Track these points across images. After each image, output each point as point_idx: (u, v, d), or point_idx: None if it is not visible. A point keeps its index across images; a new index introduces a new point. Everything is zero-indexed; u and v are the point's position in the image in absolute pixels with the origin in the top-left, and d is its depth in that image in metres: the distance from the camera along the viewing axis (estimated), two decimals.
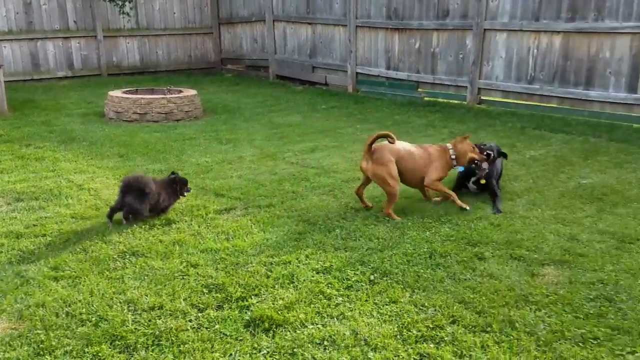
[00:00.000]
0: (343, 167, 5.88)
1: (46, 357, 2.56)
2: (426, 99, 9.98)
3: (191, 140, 7.28)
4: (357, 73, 11.26)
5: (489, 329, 2.83)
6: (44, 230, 4.09)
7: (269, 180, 5.44)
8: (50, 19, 12.47)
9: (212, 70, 14.79)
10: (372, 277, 3.38)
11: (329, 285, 3.29)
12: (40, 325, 2.80)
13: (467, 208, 4.51)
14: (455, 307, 3.02)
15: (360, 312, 2.99)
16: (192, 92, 9.27)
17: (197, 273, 3.43)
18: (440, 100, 9.79)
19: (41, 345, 2.63)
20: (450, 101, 9.65)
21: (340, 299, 3.14)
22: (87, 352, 2.60)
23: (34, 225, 4.20)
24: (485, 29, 9.01)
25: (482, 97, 9.30)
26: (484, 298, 3.12)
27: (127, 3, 12.31)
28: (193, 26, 14.45)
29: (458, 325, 2.86)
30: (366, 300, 3.12)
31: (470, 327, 2.85)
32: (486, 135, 7.23)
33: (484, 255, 3.69)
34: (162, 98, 8.73)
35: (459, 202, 4.57)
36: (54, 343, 2.65)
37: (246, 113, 9.37)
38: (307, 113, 9.25)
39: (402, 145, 4.58)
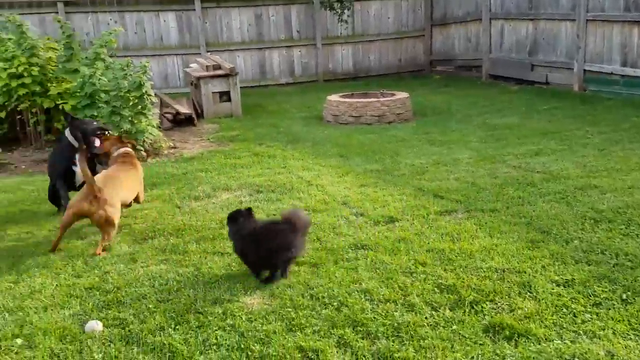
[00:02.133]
0: (574, 173, 5.37)
1: (298, 333, 2.81)
2: None
3: (404, 142, 7.38)
4: (585, 70, 10.21)
5: None
6: None
7: (490, 183, 5.22)
8: (277, 29, 13.80)
9: (421, 72, 14.83)
10: (624, 296, 3.01)
11: (573, 299, 3.02)
12: (290, 304, 3.08)
13: None
14: None
15: (614, 333, 2.68)
16: (404, 94, 9.40)
17: (426, 271, 3.44)
18: None
19: (292, 322, 2.90)
20: None
21: (588, 315, 2.86)
22: (333, 333, 2.78)
23: (274, 214, 4.66)
24: None
25: None
26: None
27: (345, 11, 13.00)
28: (405, 30, 14.67)
29: None
30: (620, 321, 2.78)
31: None
32: None
33: None
34: (376, 101, 9.02)
35: None
36: (303, 321, 2.90)
37: (458, 115, 9.18)
38: (526, 114, 8.68)
39: None
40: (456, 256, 3.65)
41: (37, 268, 3.76)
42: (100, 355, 2.69)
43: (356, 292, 3.18)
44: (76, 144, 4.70)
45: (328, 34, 14.08)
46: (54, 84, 7.56)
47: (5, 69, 7.29)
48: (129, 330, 2.92)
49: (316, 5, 13.55)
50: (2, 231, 4.56)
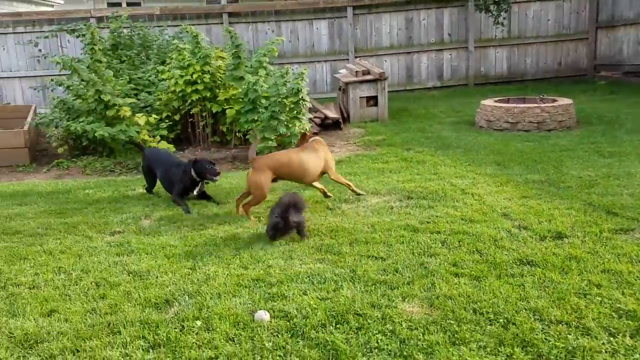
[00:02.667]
0: None
1: (462, 347, 2.73)
2: None
3: (568, 152, 6.85)
4: None
5: None
6: (437, 227, 4.42)
7: None
8: (427, 33, 13.64)
9: (583, 77, 13.70)
10: None
11: None
12: (452, 316, 3.01)
13: None
14: None
15: None
16: (568, 101, 8.74)
17: (601, 294, 3.15)
18: None
19: (456, 336, 2.83)
20: None
21: None
22: (501, 351, 2.66)
23: (427, 222, 4.59)
24: None
25: None
26: None
27: (502, 13, 12.46)
28: (566, 32, 13.66)
29: None
30: None
31: None
32: None
33: None
34: (536, 107, 8.50)
35: None
36: (467, 335, 2.82)
37: (628, 124, 8.31)
38: None
39: None
40: (636, 279, 3.30)
41: (209, 257, 4.12)
42: (270, 344, 2.86)
43: (524, 310, 3.01)
44: (197, 179, 5.64)
45: (481, 36, 13.62)
46: (221, 90, 8.24)
47: (182, 76, 8.11)
48: (294, 324, 3.06)
49: (470, 7, 13.17)
50: (179, 221, 5.06)
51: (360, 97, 10.31)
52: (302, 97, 7.36)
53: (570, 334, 2.76)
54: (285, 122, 7.33)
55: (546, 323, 2.88)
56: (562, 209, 4.61)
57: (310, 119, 9.93)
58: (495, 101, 9.15)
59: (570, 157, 6.55)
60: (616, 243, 3.88)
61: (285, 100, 7.32)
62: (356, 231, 4.49)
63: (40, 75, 12.65)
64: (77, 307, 3.40)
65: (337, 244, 4.24)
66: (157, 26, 12.23)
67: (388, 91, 10.59)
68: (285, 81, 7.43)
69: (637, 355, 2.56)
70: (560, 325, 2.85)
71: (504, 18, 12.75)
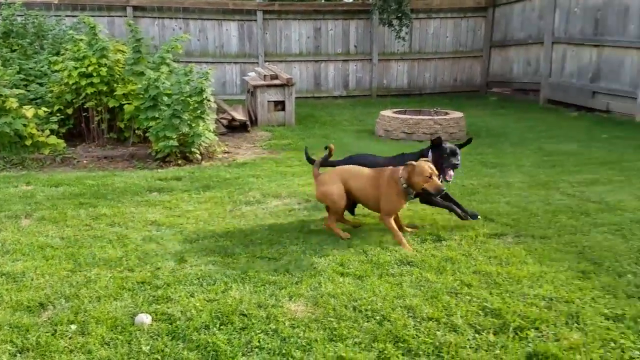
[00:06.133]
0: (632, 205, 5.18)
1: (339, 343, 2.84)
2: None
3: None
4: None
5: None
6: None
7: (542, 210, 5.11)
8: (334, 43, 13.98)
9: (476, 93, 14.67)
10: None
11: (622, 334, 2.92)
12: (333, 314, 3.12)
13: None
14: None
15: None
16: (459, 114, 9.32)
17: (471, 293, 3.41)
18: None
19: (334, 332, 2.94)
20: None
21: (637, 352, 2.76)
22: (374, 347, 2.80)
23: (322, 224, 4.72)
24: None
25: None
26: None
27: (403, 28, 13.05)
28: (463, 49, 14.57)
29: None
30: None
31: None
32: None
33: None
34: (429, 119, 8.99)
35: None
36: (344, 332, 2.93)
37: (513, 138, 9.02)
38: (585, 142, 8.44)
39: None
40: (503, 280, 3.60)
41: (93, 259, 3.95)
42: (148, 348, 2.80)
43: (399, 308, 3.18)
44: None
45: (384, 50, 14.16)
46: (119, 85, 7.93)
47: (76, 68, 7.71)
48: (176, 326, 3.03)
49: (375, 21, 13.66)
50: (63, 222, 4.81)
51: (268, 101, 10.36)
52: (205, 97, 7.28)
53: (439, 330, 2.96)
54: (188, 122, 7.21)
55: (418, 320, 3.07)
56: (444, 214, 4.92)
57: (217, 119, 9.85)
58: (393, 112, 9.56)
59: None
60: (489, 247, 4.20)
61: (188, 99, 7.20)
62: (252, 232, 4.52)
63: None
64: None
65: (231, 245, 4.24)
66: (55, 15, 11.54)
67: (296, 97, 10.73)
68: (189, 80, 7.31)
69: (498, 351, 2.79)
70: (431, 321, 3.05)
71: (406, 33, 13.37)
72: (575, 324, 3.03)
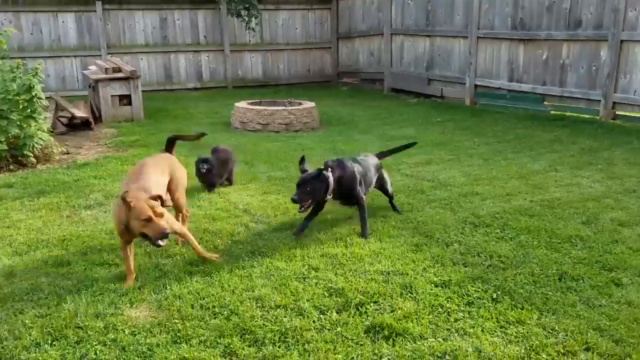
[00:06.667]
0: (460, 181, 5.74)
1: (183, 345, 2.77)
2: (553, 112, 9.46)
3: (310, 150, 7.49)
4: (476, 85, 10.97)
5: (627, 359, 2.62)
6: None
7: None
8: (182, 33, 13.53)
9: (329, 83, 15.16)
10: (494, 295, 3.27)
11: (449, 299, 3.23)
12: (177, 316, 3.04)
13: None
14: (589, 334, 2.83)
15: (482, 330, 2.90)
16: (311, 104, 9.57)
17: (318, 276, 3.53)
18: (569, 114, 9.23)
19: (178, 334, 2.86)
20: (581, 115, 9.05)
21: (461, 314, 3.07)
22: (220, 343, 2.78)
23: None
24: (622, 40, 8.37)
25: (618, 112, 8.63)
26: (622, 326, 2.89)
27: (252, 19, 13.02)
28: (313, 41, 14.94)
29: (592, 353, 2.68)
30: (489, 319, 3.02)
31: (606, 355, 2.66)
32: (622, 153, 6.70)
33: (622, 281, 3.42)
34: (284, 110, 9.11)
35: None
36: (189, 332, 2.87)
37: (361, 125, 9.48)
38: (422, 126, 9.15)
39: None
40: (347, 260, 3.78)
41: None
42: None
43: (248, 300, 3.20)
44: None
45: (236, 41, 14.03)
46: None
47: None
48: (2, 347, 2.74)
49: (223, 11, 13.47)
50: None
51: (112, 96, 9.72)
52: (35, 94, 6.62)
53: (286, 317, 3.02)
54: (18, 122, 6.51)
55: (266, 309, 3.11)
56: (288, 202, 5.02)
57: (56, 118, 9.02)
58: (248, 104, 9.54)
59: (310, 155, 7.11)
60: (335, 229, 4.39)
61: (17, 97, 6.50)
62: (91, 238, 4.23)
63: None
64: None
65: (67, 254, 3.94)
66: None
67: (146, 90, 10.23)
68: (15, 76, 6.60)
69: (340, 328, 2.93)
70: (279, 309, 3.10)
71: (256, 24, 13.36)
72: (409, 294, 3.29)
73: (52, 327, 2.92)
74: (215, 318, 3.02)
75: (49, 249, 4.05)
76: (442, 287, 3.37)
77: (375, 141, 8.02)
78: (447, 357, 2.67)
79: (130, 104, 9.84)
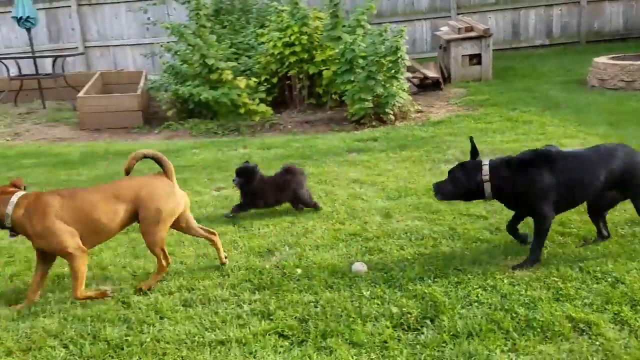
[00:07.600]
0: None
1: (566, 303, 2.66)
2: None
3: None
4: None
5: None
6: None
7: None
8: None
9: None
10: None
11: None
12: (556, 274, 2.92)
13: None
14: None
15: None
16: None
17: None
18: None
19: (560, 292, 2.75)
20: None
21: None
22: (608, 309, 2.57)
23: None
24: None
25: None
26: None
27: None
28: None
29: None
30: None
31: None
32: None
33: None
34: None
35: None
36: (571, 292, 2.73)
37: None
38: None
39: None
40: None
41: (309, 213, 4.25)
42: (368, 293, 2.94)
43: (635, 270, 2.85)
44: None
45: None
46: (318, 52, 8.29)
47: (280, 39, 8.25)
48: (391, 276, 3.12)
49: None
50: None
51: (462, 56, 9.91)
52: (400, 55, 7.22)
53: None
54: (383, 82, 7.26)
55: None
56: None
57: (408, 79, 9.76)
58: (610, 58, 8.42)
59: None
60: None
61: (383, 59, 7.23)
62: None
63: (149, 43, 13.38)
64: (190, 252, 3.68)
65: (434, 202, 4.19)
66: None
67: (492, 49, 10.08)
68: (384, 40, 7.32)
69: None
70: None
71: None
72: None
73: (432, 265, 3.18)
74: (598, 283, 2.79)
75: (418, 196, 4.40)
76: None
77: None
78: None
79: (479, 63, 9.87)
